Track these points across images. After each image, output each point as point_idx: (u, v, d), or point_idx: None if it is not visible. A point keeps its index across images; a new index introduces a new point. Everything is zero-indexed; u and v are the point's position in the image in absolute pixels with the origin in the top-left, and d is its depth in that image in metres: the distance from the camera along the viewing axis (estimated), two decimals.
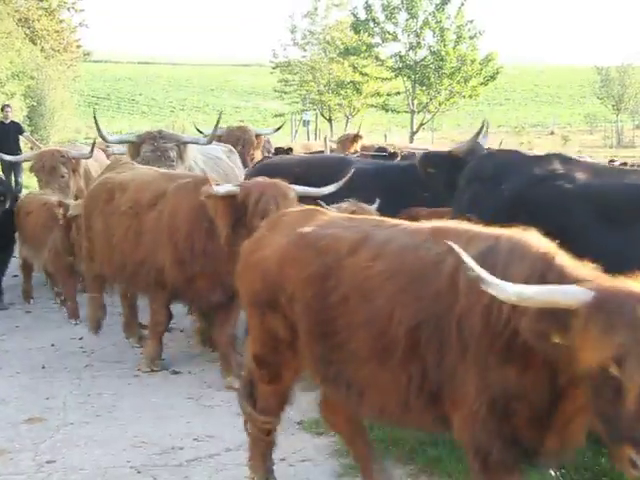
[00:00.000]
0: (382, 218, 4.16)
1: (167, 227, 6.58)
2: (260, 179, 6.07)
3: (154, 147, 8.63)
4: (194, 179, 6.78)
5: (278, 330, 4.05)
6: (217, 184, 5.99)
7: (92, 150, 10.07)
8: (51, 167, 9.73)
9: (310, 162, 8.81)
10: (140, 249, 6.78)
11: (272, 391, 4.39)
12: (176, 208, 6.57)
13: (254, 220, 5.47)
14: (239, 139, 11.47)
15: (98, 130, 9.03)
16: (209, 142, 9.41)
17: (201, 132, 11.77)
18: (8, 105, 20.42)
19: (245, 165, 10.78)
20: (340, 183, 6.49)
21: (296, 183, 6.07)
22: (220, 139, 11.35)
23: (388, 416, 3.80)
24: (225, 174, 9.28)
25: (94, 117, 9.29)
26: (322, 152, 13.10)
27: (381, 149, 14.56)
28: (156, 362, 6.87)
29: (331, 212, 4.44)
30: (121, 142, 9.65)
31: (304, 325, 3.89)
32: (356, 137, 15.09)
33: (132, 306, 7.87)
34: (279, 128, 13.23)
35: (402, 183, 7.61)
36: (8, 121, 18.90)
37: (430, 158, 7.59)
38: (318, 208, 4.51)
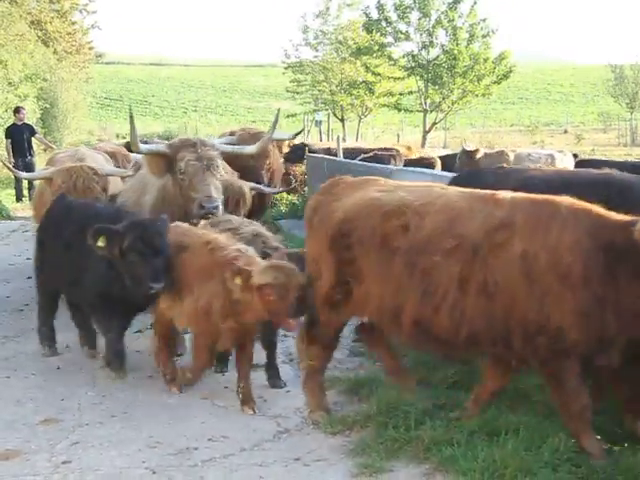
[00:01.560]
0: None
1: (549, 272, 4.73)
2: None
3: (198, 155, 7.19)
4: (569, 205, 4.86)
5: None
6: None
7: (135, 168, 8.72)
8: (86, 188, 8.17)
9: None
10: (502, 305, 4.82)
11: None
12: (557, 245, 4.73)
13: None
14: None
15: (133, 138, 7.62)
16: (258, 152, 8.36)
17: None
18: (22, 107, 20.65)
19: (257, 177, 9.75)
20: None
21: None
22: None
23: None
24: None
25: (131, 122, 7.69)
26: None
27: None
28: None
29: None
30: (151, 152, 7.67)
31: None
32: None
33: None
34: (298, 133, 12.63)
35: None
36: (21, 123, 19.09)
37: None
38: None
